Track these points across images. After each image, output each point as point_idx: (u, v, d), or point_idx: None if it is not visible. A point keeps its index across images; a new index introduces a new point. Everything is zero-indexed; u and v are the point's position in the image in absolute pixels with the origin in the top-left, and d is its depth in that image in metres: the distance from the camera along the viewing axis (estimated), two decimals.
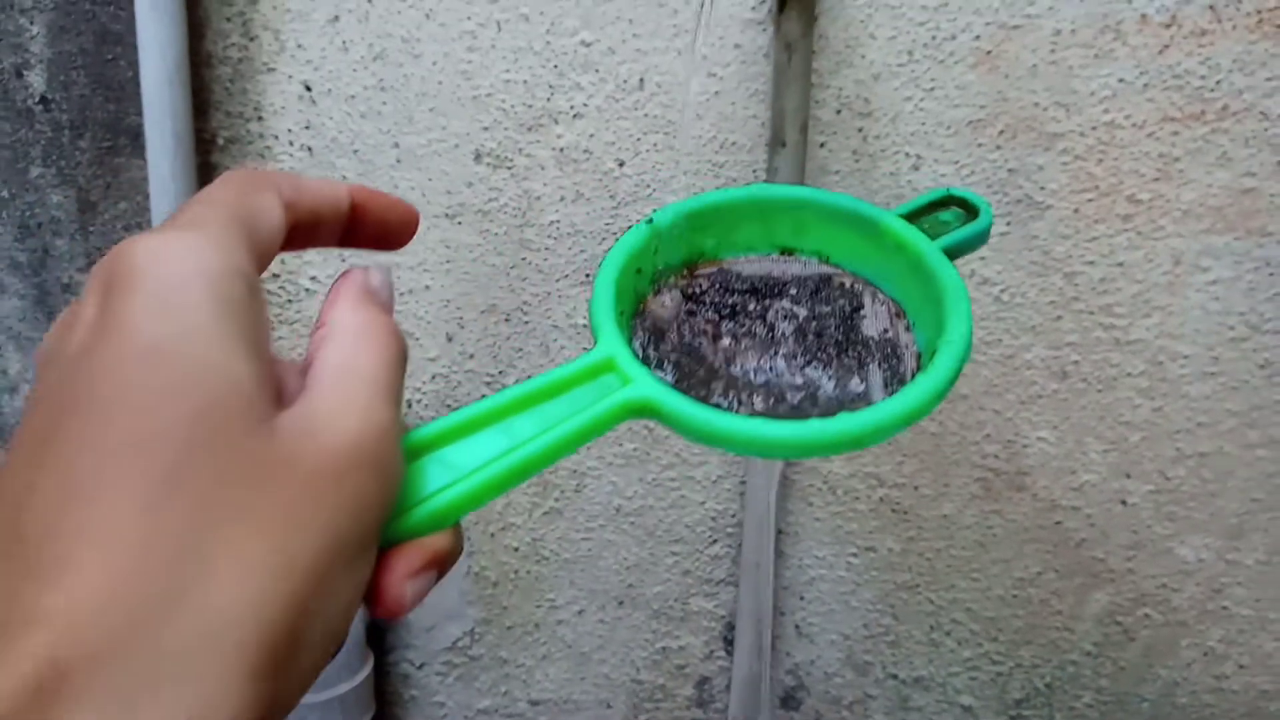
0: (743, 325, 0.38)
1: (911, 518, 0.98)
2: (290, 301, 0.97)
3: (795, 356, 0.37)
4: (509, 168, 0.92)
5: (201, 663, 0.22)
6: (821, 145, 0.89)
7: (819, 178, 0.89)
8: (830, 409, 0.34)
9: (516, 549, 1.03)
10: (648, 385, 0.32)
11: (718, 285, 0.40)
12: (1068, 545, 0.97)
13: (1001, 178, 0.88)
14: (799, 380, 0.36)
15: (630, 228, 0.39)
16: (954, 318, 0.35)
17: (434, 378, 0.98)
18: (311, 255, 0.95)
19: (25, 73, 0.94)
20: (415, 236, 0.35)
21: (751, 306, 0.39)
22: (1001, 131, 0.87)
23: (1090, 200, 0.87)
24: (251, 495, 0.24)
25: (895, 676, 1.04)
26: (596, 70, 0.89)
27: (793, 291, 0.39)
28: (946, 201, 0.41)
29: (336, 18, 0.90)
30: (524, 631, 1.06)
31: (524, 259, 0.94)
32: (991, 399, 0.94)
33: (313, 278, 0.96)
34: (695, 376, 0.36)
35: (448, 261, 0.94)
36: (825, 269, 0.41)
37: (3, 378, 1.04)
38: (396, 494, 0.28)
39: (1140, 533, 0.96)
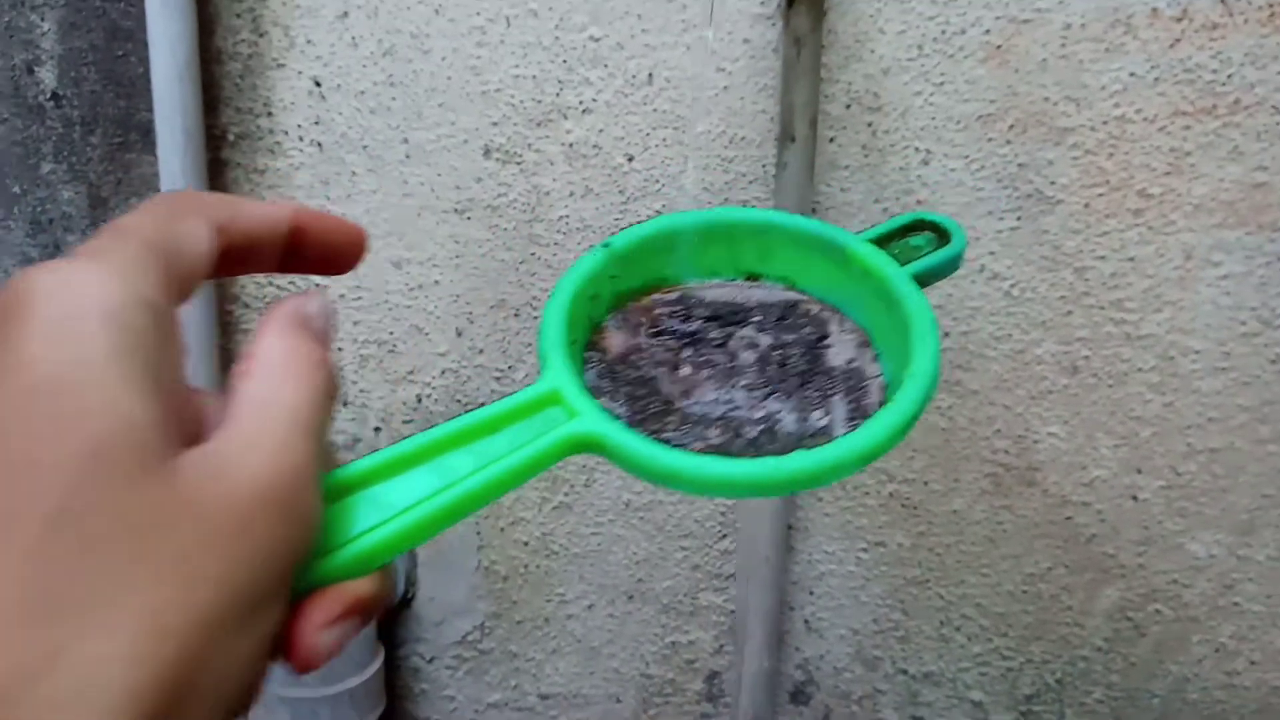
0: (702, 354, 0.36)
1: (921, 513, 0.98)
2: None
3: (756, 388, 0.35)
4: (518, 163, 0.92)
5: None
6: (831, 140, 0.88)
7: (829, 172, 0.89)
8: (789, 444, 0.33)
9: (526, 544, 1.03)
10: (594, 419, 0.31)
11: (678, 312, 0.38)
12: (1078, 541, 0.97)
13: (1012, 172, 0.87)
14: (758, 413, 0.34)
15: (584, 252, 0.37)
16: (920, 349, 0.33)
17: (444, 373, 0.98)
18: None
19: (36, 69, 0.95)
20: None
21: (713, 334, 0.37)
22: (1011, 126, 0.86)
23: (1101, 195, 0.87)
24: (142, 542, 0.22)
25: (905, 672, 1.04)
26: (605, 65, 0.89)
27: (756, 319, 0.38)
28: (918, 226, 0.40)
29: (346, 13, 0.90)
30: (534, 626, 1.06)
31: (533, 254, 0.94)
32: (1002, 394, 0.93)
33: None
34: (650, 409, 0.34)
35: (457, 257, 0.94)
36: (791, 295, 0.39)
37: None
38: (312, 538, 0.26)
39: (1151, 528, 0.95)
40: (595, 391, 0.34)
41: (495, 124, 0.91)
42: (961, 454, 0.96)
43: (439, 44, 0.90)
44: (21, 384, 0.23)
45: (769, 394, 0.35)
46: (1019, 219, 0.88)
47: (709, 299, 0.39)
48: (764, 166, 0.89)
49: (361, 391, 1.00)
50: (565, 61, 0.89)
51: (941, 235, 0.39)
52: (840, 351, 0.37)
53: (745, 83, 0.88)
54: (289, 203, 0.32)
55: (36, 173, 0.97)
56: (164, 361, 0.25)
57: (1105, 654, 1.00)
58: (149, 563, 0.22)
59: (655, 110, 0.89)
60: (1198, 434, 0.92)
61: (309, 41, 0.91)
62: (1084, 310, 0.90)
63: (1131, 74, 0.84)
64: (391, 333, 0.98)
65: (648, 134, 0.90)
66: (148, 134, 0.94)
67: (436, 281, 0.95)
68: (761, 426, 0.34)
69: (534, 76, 0.89)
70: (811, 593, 1.02)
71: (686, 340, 0.37)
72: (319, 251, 0.32)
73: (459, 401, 0.99)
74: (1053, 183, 0.87)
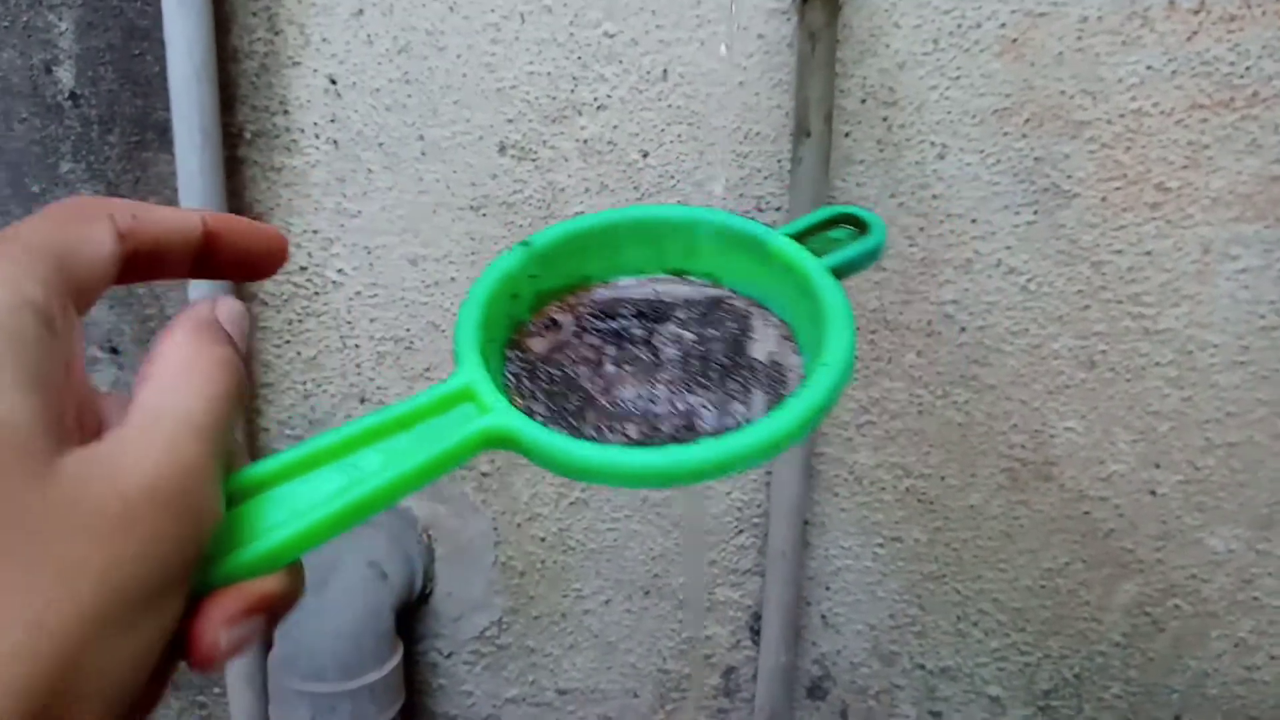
0: (626, 351, 0.36)
1: (938, 508, 0.98)
2: (318, 294, 0.98)
3: (677, 383, 0.35)
4: (533, 159, 0.92)
5: None
6: (846, 135, 0.88)
7: (844, 167, 0.89)
8: (708, 437, 0.33)
9: (543, 539, 1.03)
10: (506, 414, 0.31)
11: (601, 310, 0.38)
12: (1096, 535, 0.96)
13: (1028, 166, 0.87)
14: (678, 407, 0.34)
15: (503, 251, 0.37)
16: (833, 339, 0.33)
17: None
18: (340, 248, 0.96)
19: (54, 68, 0.95)
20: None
21: (636, 331, 0.37)
22: (1028, 120, 0.86)
23: (1118, 188, 0.87)
24: (21, 539, 0.22)
25: (922, 667, 1.04)
26: (620, 61, 0.89)
27: (680, 315, 0.38)
28: (838, 219, 0.40)
29: (361, 11, 0.90)
30: (551, 621, 1.07)
31: None
32: (1018, 389, 0.93)
33: (340, 270, 0.96)
34: (569, 406, 0.34)
35: (473, 254, 0.94)
36: (716, 291, 0.39)
37: None
38: (204, 536, 0.26)
39: (1169, 523, 0.95)
40: (515, 390, 0.34)
41: (510, 120, 0.91)
42: (978, 449, 0.95)
43: (454, 41, 0.90)
44: None
45: (689, 389, 0.35)
46: (1035, 213, 0.88)
47: (633, 296, 0.39)
48: (779, 162, 0.89)
49: (379, 388, 1.00)
50: (580, 58, 0.89)
51: (861, 228, 0.39)
52: (762, 345, 0.37)
53: (760, 78, 0.88)
54: (201, 210, 0.32)
55: (55, 172, 0.98)
56: (51, 363, 0.25)
57: (1123, 649, 1.00)
58: (27, 560, 0.22)
59: (670, 106, 0.89)
60: (1216, 428, 0.92)
61: (324, 39, 0.91)
62: (1101, 304, 0.90)
63: (1148, 67, 0.84)
64: (408, 329, 0.98)
65: (662, 130, 0.90)
66: (165, 133, 0.94)
67: (453, 278, 0.95)
68: (681, 421, 0.34)
69: (549, 73, 0.90)
70: (828, 588, 1.02)
71: (609, 338, 0.37)
72: (234, 257, 0.32)
73: None
74: (1069, 177, 0.87)
